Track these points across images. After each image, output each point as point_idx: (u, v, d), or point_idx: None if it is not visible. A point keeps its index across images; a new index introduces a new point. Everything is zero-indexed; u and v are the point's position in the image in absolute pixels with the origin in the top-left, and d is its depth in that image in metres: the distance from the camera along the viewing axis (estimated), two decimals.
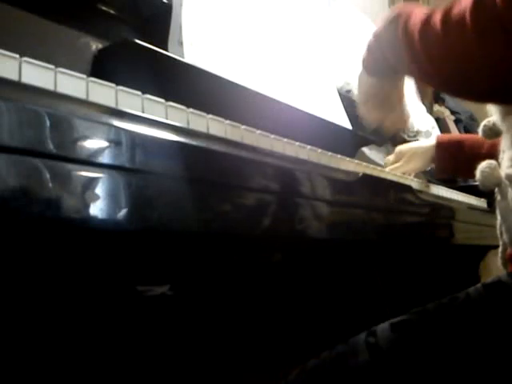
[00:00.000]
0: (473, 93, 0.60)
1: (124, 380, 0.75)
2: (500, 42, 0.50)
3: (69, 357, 0.68)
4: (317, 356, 0.62)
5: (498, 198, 0.72)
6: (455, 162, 1.06)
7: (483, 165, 0.72)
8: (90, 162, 0.37)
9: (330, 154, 0.72)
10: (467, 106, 2.15)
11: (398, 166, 1.09)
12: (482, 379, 0.57)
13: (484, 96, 0.61)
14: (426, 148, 1.12)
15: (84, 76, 0.42)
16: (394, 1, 3.36)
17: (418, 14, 0.59)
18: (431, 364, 0.58)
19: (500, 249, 0.73)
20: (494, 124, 0.76)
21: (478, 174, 0.73)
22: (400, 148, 1.15)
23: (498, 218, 0.72)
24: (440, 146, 1.10)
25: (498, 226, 0.73)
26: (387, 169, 1.05)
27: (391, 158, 1.15)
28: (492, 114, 0.76)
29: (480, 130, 0.80)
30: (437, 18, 0.55)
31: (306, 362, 0.62)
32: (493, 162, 0.72)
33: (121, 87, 0.45)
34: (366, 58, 0.73)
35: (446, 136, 1.22)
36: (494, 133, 0.77)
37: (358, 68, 0.76)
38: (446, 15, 0.54)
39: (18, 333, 0.63)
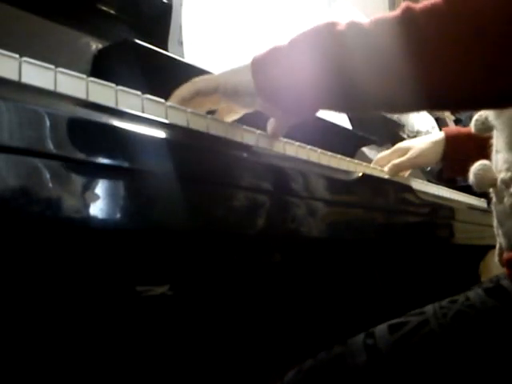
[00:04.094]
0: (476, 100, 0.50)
1: (124, 380, 0.75)
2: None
3: (68, 357, 0.68)
4: (314, 356, 0.62)
5: (494, 199, 0.70)
6: (466, 154, 0.94)
7: (476, 166, 0.70)
8: (90, 162, 0.37)
9: (329, 154, 0.73)
10: None
11: (403, 160, 0.98)
12: (481, 382, 0.57)
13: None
14: (434, 141, 1.01)
15: (84, 76, 0.42)
16: (394, 2, 3.35)
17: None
18: (429, 366, 0.58)
19: (497, 247, 0.72)
20: (486, 118, 0.73)
21: (471, 176, 0.71)
22: (401, 144, 1.04)
23: (495, 220, 0.72)
24: (449, 138, 1.01)
25: (494, 228, 0.72)
26: (387, 166, 0.95)
27: (386, 153, 1.03)
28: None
29: (472, 124, 0.77)
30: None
31: (303, 362, 0.62)
32: (486, 162, 0.70)
33: (121, 87, 0.45)
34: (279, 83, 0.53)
35: (454, 129, 1.09)
36: (486, 127, 0.74)
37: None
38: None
39: (18, 333, 0.63)
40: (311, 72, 0.52)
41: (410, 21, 0.47)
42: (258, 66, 0.54)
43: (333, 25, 0.51)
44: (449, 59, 0.47)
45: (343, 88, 0.51)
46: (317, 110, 0.58)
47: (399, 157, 1.00)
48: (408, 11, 0.48)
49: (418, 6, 0.48)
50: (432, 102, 0.53)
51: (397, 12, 0.48)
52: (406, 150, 1.01)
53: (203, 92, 0.57)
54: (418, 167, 1.03)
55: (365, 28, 0.50)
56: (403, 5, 0.49)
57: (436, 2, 0.47)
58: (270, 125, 0.61)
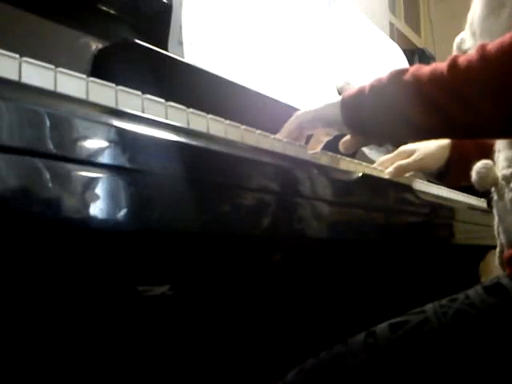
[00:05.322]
0: None
1: (124, 380, 0.75)
2: None
3: (69, 357, 0.68)
4: (315, 356, 0.62)
5: (495, 197, 0.71)
6: (470, 160, 0.86)
7: (479, 165, 0.71)
8: (90, 162, 0.37)
9: (329, 153, 0.73)
10: None
11: (408, 161, 0.98)
12: (481, 381, 0.57)
13: None
14: (440, 146, 0.99)
15: (84, 76, 0.42)
16: (394, 2, 3.35)
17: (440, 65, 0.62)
18: (430, 365, 0.58)
19: (497, 249, 0.72)
20: None
21: (473, 174, 0.72)
22: (405, 146, 1.02)
23: (496, 218, 0.72)
24: (455, 143, 0.98)
25: (495, 227, 0.73)
26: (392, 167, 0.94)
27: (389, 156, 1.02)
28: None
29: None
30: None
31: (304, 362, 0.62)
32: (489, 162, 0.71)
33: (121, 87, 0.45)
34: (360, 117, 0.69)
35: None
36: None
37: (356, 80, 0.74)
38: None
39: (18, 333, 0.63)
40: (386, 113, 0.66)
41: (451, 72, 0.60)
42: (346, 104, 0.70)
43: (402, 72, 0.65)
44: (479, 105, 0.59)
45: (408, 123, 0.65)
46: (393, 140, 0.78)
47: (403, 159, 0.98)
48: (452, 63, 0.60)
49: (461, 58, 0.60)
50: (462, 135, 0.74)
51: (446, 62, 0.61)
52: (410, 153, 1.00)
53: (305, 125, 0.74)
54: (423, 170, 1.02)
55: (422, 77, 0.62)
56: (450, 57, 0.61)
57: (472, 57, 0.59)
58: (344, 143, 0.75)
